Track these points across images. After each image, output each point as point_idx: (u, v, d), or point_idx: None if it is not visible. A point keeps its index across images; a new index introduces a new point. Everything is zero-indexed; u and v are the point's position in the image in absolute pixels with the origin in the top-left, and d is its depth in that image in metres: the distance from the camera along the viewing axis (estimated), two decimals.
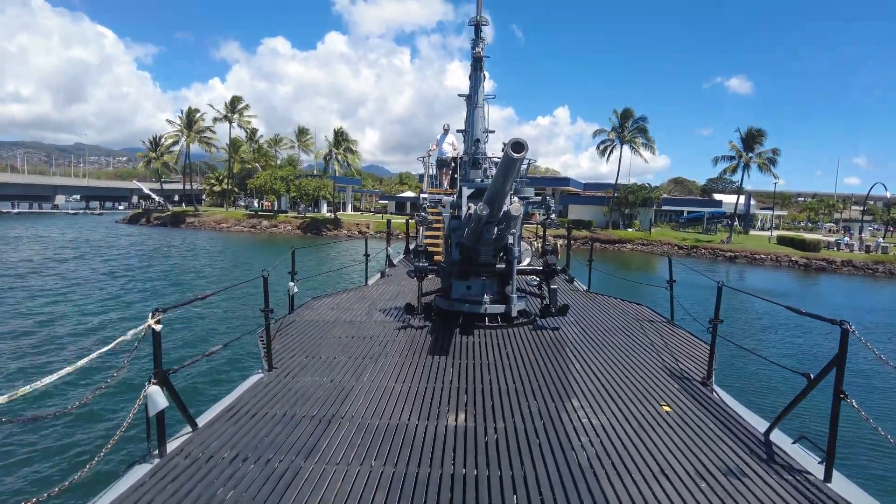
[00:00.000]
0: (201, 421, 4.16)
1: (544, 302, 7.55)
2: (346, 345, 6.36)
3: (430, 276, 7.54)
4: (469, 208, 6.69)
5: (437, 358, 5.85)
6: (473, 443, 3.87)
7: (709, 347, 6.42)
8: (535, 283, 7.86)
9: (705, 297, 24.41)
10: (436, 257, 10.01)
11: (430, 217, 7.79)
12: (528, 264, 13.25)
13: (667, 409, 4.62)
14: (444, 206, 7.49)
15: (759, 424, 4.30)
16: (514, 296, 6.85)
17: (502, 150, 5.39)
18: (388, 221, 14.99)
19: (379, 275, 11.63)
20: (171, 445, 3.75)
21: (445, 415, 4.34)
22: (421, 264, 7.15)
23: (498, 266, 7.15)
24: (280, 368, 5.45)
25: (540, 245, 7.92)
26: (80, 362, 2.88)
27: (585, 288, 10.53)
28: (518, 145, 4.86)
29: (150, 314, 3.46)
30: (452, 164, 15.24)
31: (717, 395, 5.02)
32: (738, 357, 12.61)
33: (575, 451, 3.77)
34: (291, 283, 7.65)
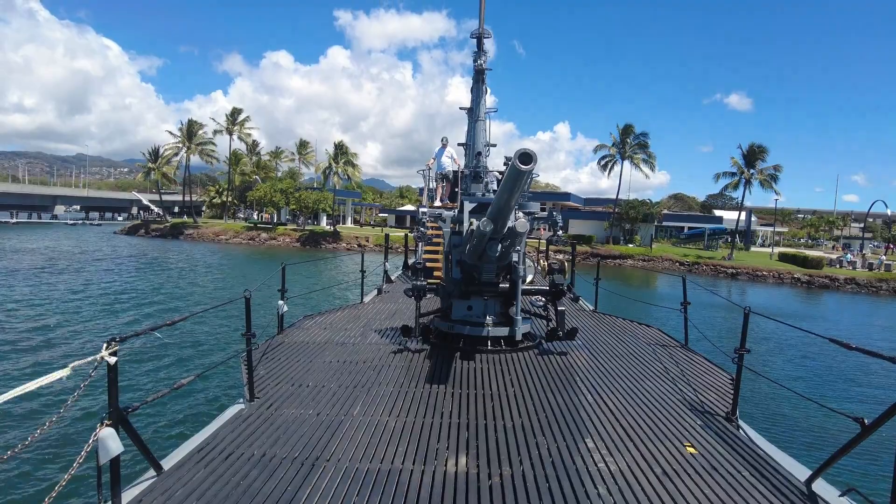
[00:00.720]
0: (167, 463, 3.67)
1: (550, 324, 7.08)
2: (336, 370, 5.87)
3: (429, 296, 7.08)
4: (471, 224, 6.26)
5: (435, 387, 5.37)
6: (476, 493, 3.38)
7: (730, 377, 5.95)
8: (541, 304, 7.39)
9: (714, 317, 23.55)
10: (435, 273, 9.56)
11: (428, 232, 7.36)
12: (532, 282, 12.78)
13: (691, 450, 4.13)
14: (444, 221, 7.06)
15: (798, 471, 3.81)
16: (519, 318, 6.39)
17: (504, 163, 4.98)
18: (386, 235, 14.54)
19: (375, 291, 11.16)
20: (129, 495, 3.26)
21: (444, 457, 3.85)
22: (419, 282, 6.70)
23: (501, 286, 6.70)
24: (263, 399, 4.97)
25: (545, 263, 7.48)
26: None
27: (592, 308, 10.05)
28: (526, 156, 4.45)
29: (105, 344, 3.00)
30: (451, 178, 14.83)
31: (745, 433, 4.54)
32: (760, 387, 11.57)
33: None
34: (281, 302, 7.18)
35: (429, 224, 7.39)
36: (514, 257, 6.44)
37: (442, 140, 15.69)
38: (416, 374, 5.81)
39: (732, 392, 5.41)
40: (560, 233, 7.04)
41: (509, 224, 5.67)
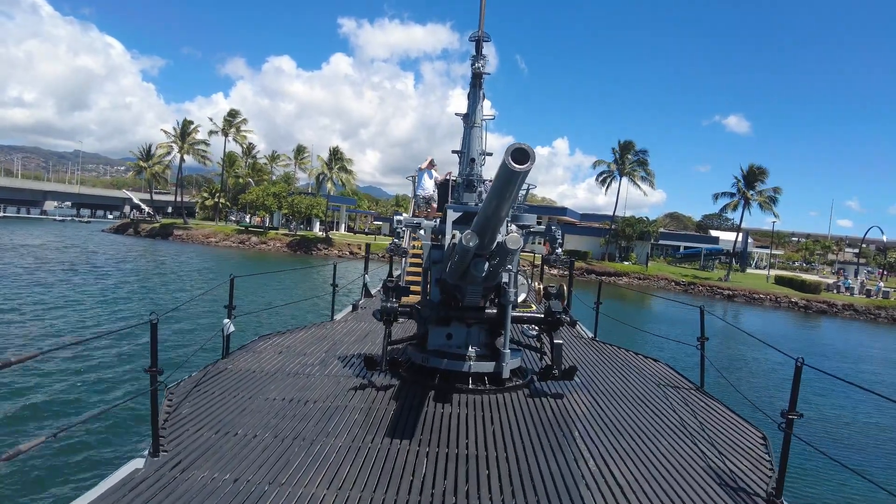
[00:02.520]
0: None
1: (545, 359, 6.00)
2: (278, 412, 4.75)
3: (402, 321, 5.97)
4: (454, 236, 5.21)
5: (396, 442, 4.26)
6: None
7: (760, 435, 4.88)
8: (534, 333, 6.30)
9: (723, 349, 20.87)
10: (413, 287, 8.47)
11: (404, 245, 6.29)
12: (525, 302, 11.67)
13: None
14: (423, 232, 5.99)
15: None
16: (507, 351, 5.31)
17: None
18: (367, 245, 13.42)
19: (350, 308, 10.03)
20: None
21: None
22: (389, 304, 5.60)
23: (488, 311, 5.63)
24: (171, 453, 3.84)
25: (540, 285, 6.35)
26: None
27: (591, 335, 8.96)
28: (521, 153, 3.41)
29: None
30: (436, 199, 13.53)
31: None
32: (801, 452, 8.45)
33: None
34: (227, 321, 6.06)
35: (410, 235, 6.32)
36: (505, 278, 5.39)
37: (428, 160, 14.15)
38: (376, 420, 4.70)
39: (769, 460, 4.34)
40: (560, 250, 5.99)
41: (499, 238, 4.63)
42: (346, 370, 6.07)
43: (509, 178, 3.57)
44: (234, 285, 6.16)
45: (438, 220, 5.89)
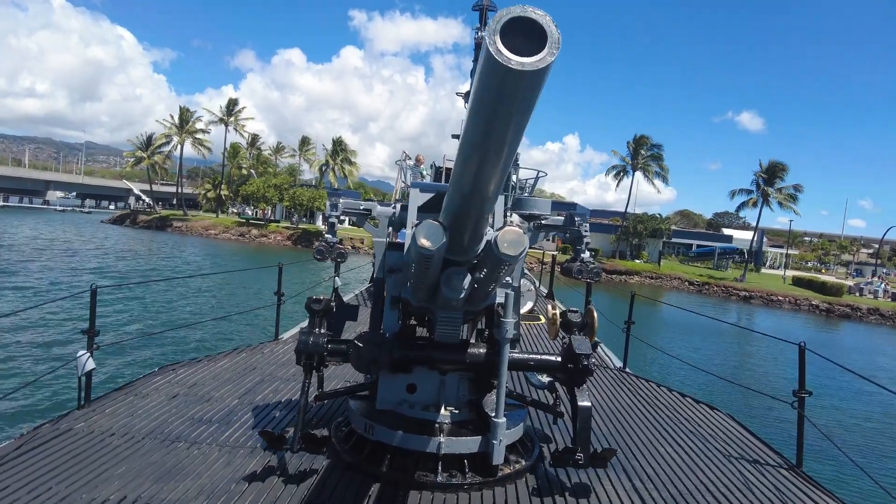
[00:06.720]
0: None
1: (559, 422, 3.92)
2: None
3: (334, 363, 3.89)
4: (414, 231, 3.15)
5: None
6: None
7: None
8: (543, 382, 4.15)
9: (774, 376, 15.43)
10: None
11: (340, 245, 4.23)
12: (531, 312, 9.49)
13: None
14: (375, 224, 3.93)
15: None
16: (502, 420, 3.26)
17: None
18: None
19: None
20: None
21: None
22: (313, 339, 3.53)
23: (471, 351, 3.55)
24: None
25: (555, 310, 4.13)
26: None
27: (619, 365, 6.83)
28: (520, 26, 1.37)
29: None
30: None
31: None
32: None
33: None
34: (83, 353, 4.05)
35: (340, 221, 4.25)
36: (500, 297, 3.35)
37: (419, 158, 11.75)
38: None
39: None
40: (587, 254, 3.88)
41: (488, 235, 2.63)
42: (253, 434, 4.00)
43: (500, 93, 1.52)
44: (95, 297, 4.13)
45: (399, 207, 3.82)
